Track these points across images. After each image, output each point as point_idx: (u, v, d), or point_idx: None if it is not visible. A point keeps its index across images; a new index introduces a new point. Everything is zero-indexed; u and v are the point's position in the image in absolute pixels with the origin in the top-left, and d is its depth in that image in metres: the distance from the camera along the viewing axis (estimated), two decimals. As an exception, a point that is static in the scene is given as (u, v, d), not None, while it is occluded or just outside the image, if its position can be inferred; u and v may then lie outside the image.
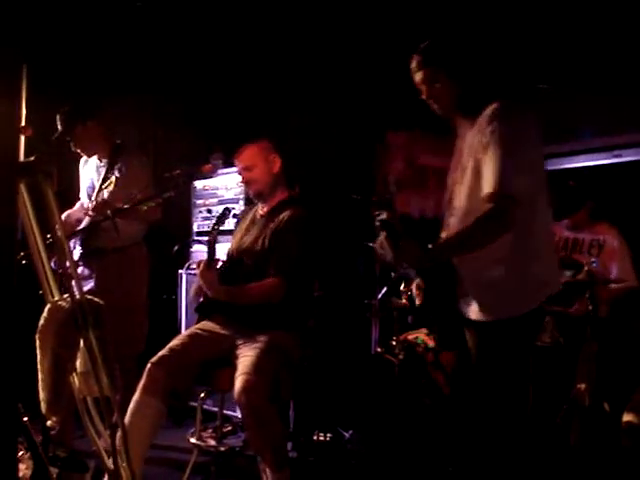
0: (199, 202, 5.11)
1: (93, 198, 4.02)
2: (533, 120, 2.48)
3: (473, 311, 2.51)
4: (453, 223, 2.58)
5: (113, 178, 3.81)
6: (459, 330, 2.61)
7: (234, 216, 3.82)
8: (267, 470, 3.07)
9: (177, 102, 5.60)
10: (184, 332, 3.52)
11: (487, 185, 2.36)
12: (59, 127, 4.03)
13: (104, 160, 4.13)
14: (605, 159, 4.44)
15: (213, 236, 3.36)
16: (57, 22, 4.51)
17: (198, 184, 5.11)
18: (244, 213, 3.81)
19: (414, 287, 2.85)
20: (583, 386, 3.44)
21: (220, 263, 3.48)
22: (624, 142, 4.31)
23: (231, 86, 5.47)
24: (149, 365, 3.21)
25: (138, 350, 3.98)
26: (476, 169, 2.45)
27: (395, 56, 2.77)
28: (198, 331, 3.39)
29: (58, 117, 4.04)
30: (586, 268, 3.55)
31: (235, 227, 3.78)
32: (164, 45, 5.15)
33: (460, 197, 2.54)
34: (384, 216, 2.46)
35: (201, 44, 5.19)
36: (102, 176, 4.07)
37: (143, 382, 3.18)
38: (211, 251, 3.31)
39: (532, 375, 3.18)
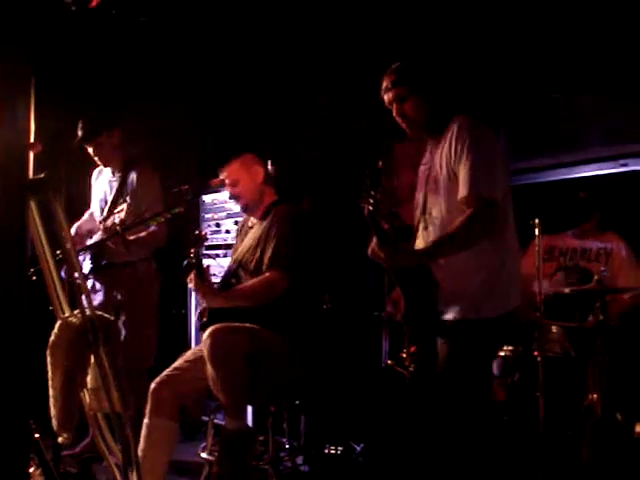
0: (208, 216, 5.10)
1: (105, 214, 4.03)
2: (495, 136, 2.68)
3: (451, 311, 2.61)
4: (432, 231, 2.69)
5: (125, 205, 3.84)
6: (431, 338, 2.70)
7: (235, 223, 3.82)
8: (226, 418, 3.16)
9: (185, 115, 5.61)
10: (189, 351, 3.51)
11: (465, 188, 2.51)
12: (80, 133, 4.04)
13: (117, 174, 4.14)
14: (612, 168, 4.43)
15: (195, 250, 3.29)
16: (63, 36, 4.53)
17: (207, 198, 5.12)
18: (242, 223, 3.84)
19: (389, 303, 2.92)
20: (595, 397, 3.42)
21: (210, 268, 3.48)
22: (631, 151, 4.30)
23: (239, 99, 5.48)
24: (153, 385, 3.25)
25: (147, 364, 3.98)
26: (449, 176, 2.61)
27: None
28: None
29: (81, 123, 4.05)
30: (596, 277, 3.53)
31: (236, 238, 3.82)
32: (172, 58, 5.18)
33: (438, 206, 2.67)
34: (370, 208, 2.53)
35: (209, 57, 5.22)
36: (114, 191, 4.09)
37: (149, 404, 3.22)
38: (198, 264, 3.27)
39: (543, 387, 3.18)
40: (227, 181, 3.57)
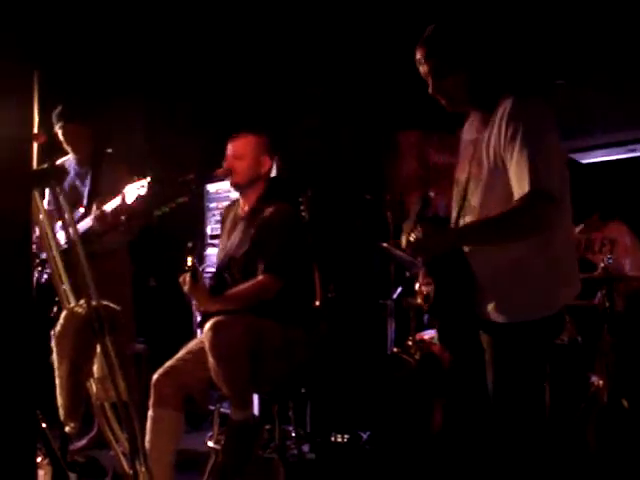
0: (212, 205, 5.10)
1: (85, 202, 4.04)
2: (551, 114, 2.35)
3: (492, 312, 2.38)
4: (469, 221, 2.44)
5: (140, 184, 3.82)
6: (463, 332, 2.52)
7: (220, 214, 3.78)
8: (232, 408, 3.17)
9: (189, 105, 5.60)
10: (192, 342, 3.49)
11: (523, 184, 2.22)
12: (55, 121, 4.07)
13: (85, 166, 4.15)
14: (619, 154, 4.42)
15: (193, 262, 3.23)
16: (65, 26, 4.52)
17: (211, 187, 5.11)
18: (227, 211, 3.75)
19: (421, 285, 2.63)
20: (601, 383, 3.42)
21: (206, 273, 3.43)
22: (638, 137, 4.29)
23: (243, 89, 5.47)
24: (155, 377, 3.23)
25: (128, 350, 4.00)
26: (496, 164, 2.32)
27: (406, 54, 2.72)
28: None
29: (57, 112, 4.07)
30: (602, 265, 3.52)
31: (221, 228, 3.76)
32: (176, 48, 5.17)
33: (477, 195, 2.39)
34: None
35: (212, 47, 5.20)
36: (88, 183, 4.09)
37: (152, 397, 3.20)
38: (193, 269, 3.20)
39: (550, 374, 3.13)
40: (232, 151, 3.49)
